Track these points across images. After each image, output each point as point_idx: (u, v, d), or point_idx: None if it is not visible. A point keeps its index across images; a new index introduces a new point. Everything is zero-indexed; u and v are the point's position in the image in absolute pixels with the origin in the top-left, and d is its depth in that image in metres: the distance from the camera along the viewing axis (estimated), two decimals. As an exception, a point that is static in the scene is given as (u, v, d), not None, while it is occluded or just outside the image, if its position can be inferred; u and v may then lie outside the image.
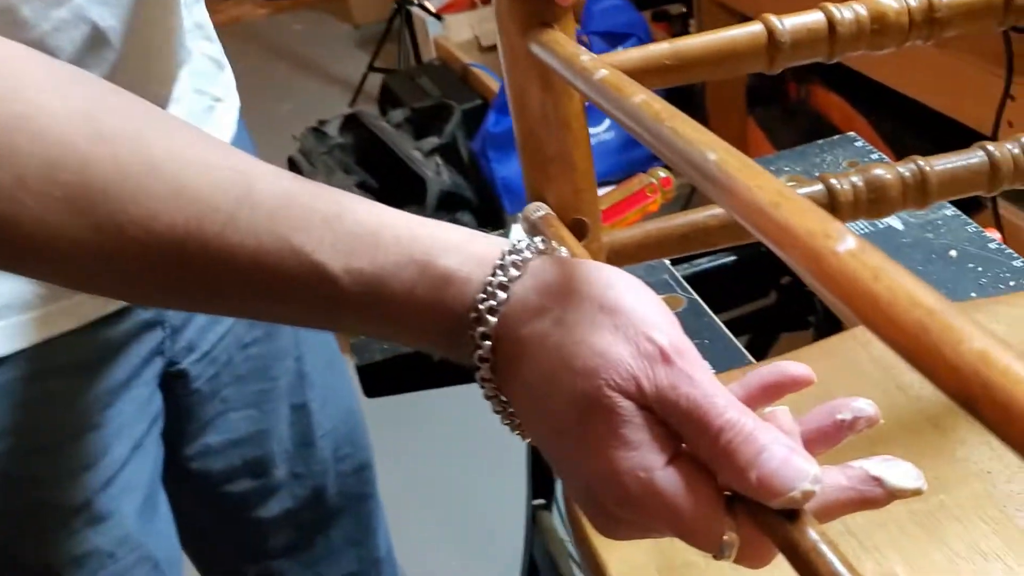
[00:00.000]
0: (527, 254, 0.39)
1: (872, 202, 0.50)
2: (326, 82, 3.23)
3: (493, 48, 2.45)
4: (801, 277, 0.25)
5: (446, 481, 1.58)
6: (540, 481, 0.86)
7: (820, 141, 0.87)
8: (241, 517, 0.82)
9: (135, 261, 0.39)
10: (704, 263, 0.82)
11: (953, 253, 0.72)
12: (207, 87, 0.70)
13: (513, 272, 0.39)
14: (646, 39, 1.99)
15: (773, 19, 0.45)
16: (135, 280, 0.41)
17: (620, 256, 0.51)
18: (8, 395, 0.61)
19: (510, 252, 0.39)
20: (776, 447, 0.34)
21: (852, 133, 0.88)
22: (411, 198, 1.88)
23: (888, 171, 0.50)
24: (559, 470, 0.39)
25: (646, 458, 0.35)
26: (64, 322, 0.61)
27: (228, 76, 0.74)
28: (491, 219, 2.00)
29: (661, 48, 0.45)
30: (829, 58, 0.46)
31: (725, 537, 0.35)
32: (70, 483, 0.65)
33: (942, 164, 0.51)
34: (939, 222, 0.75)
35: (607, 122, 1.93)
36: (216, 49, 0.72)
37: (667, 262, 0.79)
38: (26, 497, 0.64)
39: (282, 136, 2.34)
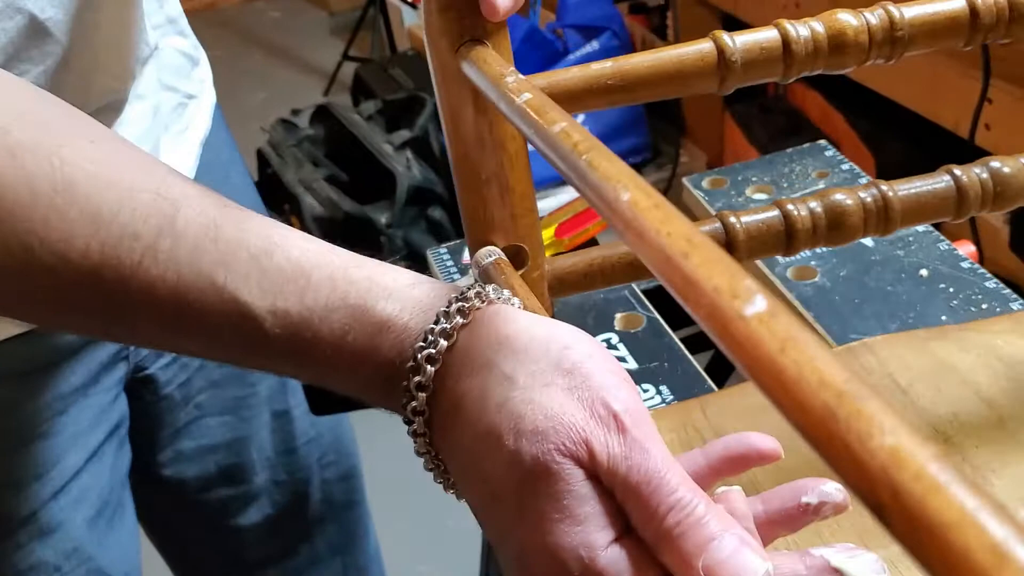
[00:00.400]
0: (476, 303, 0.36)
1: (832, 229, 0.47)
2: (301, 71, 3.18)
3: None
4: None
5: (410, 493, 1.55)
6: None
7: (789, 150, 0.84)
8: (220, 525, 0.80)
9: (45, 287, 0.36)
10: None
11: (924, 272, 0.69)
12: (178, 83, 0.67)
13: (458, 320, 0.36)
14: (622, 32, 1.95)
15: (724, 36, 0.42)
16: (45, 306, 0.38)
17: (563, 285, 0.47)
18: None
19: (457, 299, 0.36)
20: (727, 537, 0.31)
21: (822, 142, 0.85)
22: (381, 193, 1.84)
23: (849, 196, 0.47)
24: (491, 537, 0.36)
25: (590, 535, 0.32)
26: (7, 327, 0.58)
27: (203, 71, 0.71)
28: (464, 214, 1.97)
29: (603, 67, 0.41)
30: (784, 78, 0.43)
31: None
32: (16, 494, 0.62)
33: (906, 189, 0.48)
34: (910, 238, 0.72)
35: (581, 116, 1.90)
36: (189, 44, 0.69)
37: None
38: None
39: (256, 125, 2.30)
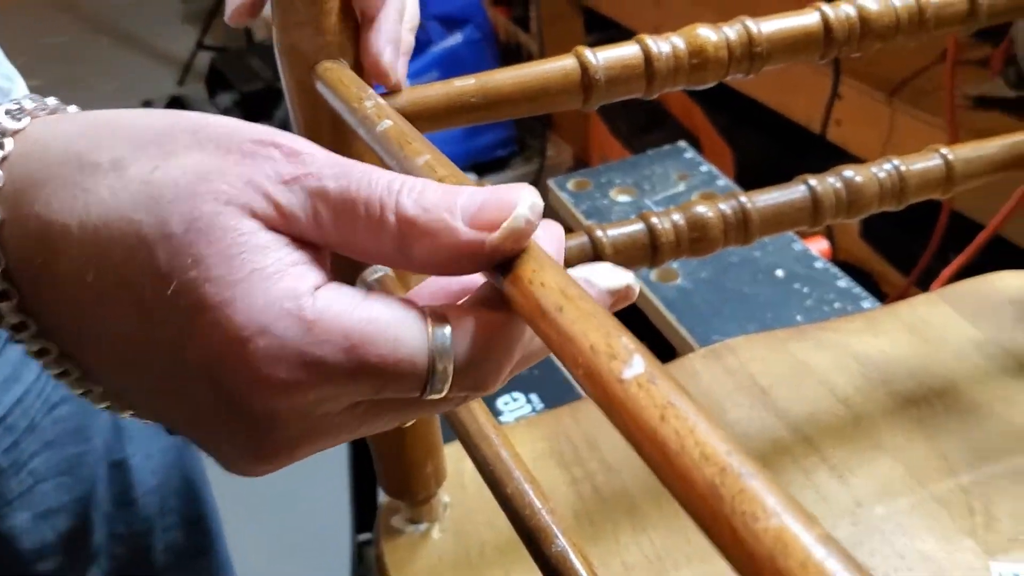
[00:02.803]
0: (50, 103, 0.28)
1: (694, 241, 0.48)
2: (153, 59, 3.05)
3: (329, 29, 2.35)
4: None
5: (270, 514, 1.51)
6: (365, 515, 0.82)
7: (650, 152, 0.85)
8: None
9: None
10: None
11: (780, 273, 0.71)
12: None
13: (31, 106, 0.27)
14: (484, 24, 1.95)
15: (587, 53, 0.42)
16: None
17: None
18: None
19: (27, 97, 0.28)
20: (475, 191, 0.24)
21: (682, 143, 0.86)
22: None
23: (710, 209, 0.48)
24: (165, 406, 0.26)
25: (289, 283, 0.24)
26: None
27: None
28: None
29: (467, 84, 0.40)
30: (647, 95, 0.43)
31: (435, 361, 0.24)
32: None
33: (764, 200, 0.49)
34: (766, 239, 0.74)
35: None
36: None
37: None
38: None
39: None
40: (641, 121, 1.76)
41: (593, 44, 0.43)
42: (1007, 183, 0.62)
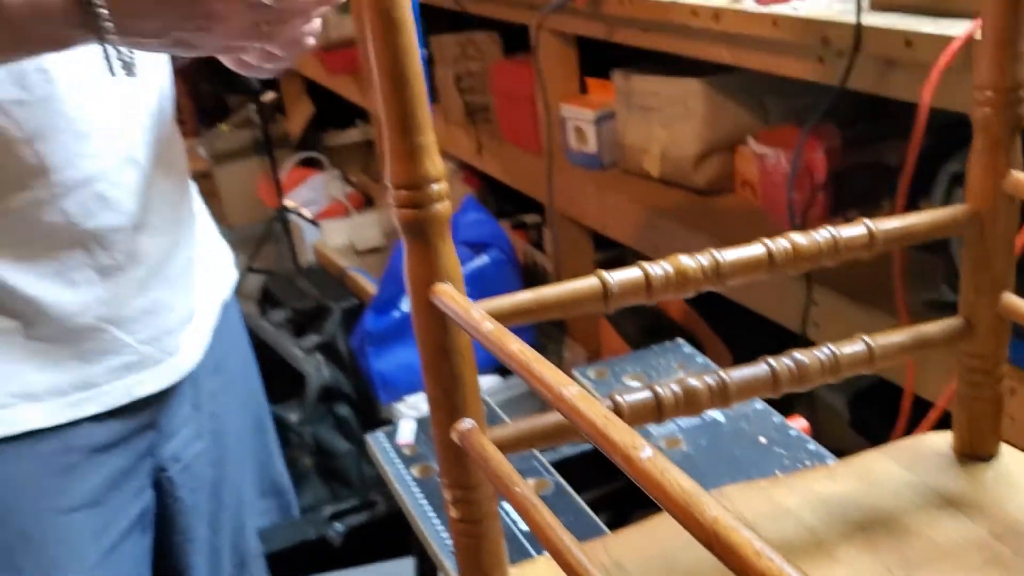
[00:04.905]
0: None
1: (687, 403, 0.67)
2: (201, 280, 3.32)
3: (368, 252, 2.63)
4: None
5: None
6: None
7: (654, 347, 1.05)
8: None
9: None
10: (566, 450, 0.97)
11: (763, 439, 0.89)
12: (205, 253, 0.94)
13: None
14: (506, 247, 2.21)
15: (605, 275, 0.62)
16: None
17: (500, 447, 0.65)
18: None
19: None
20: None
21: (680, 340, 1.06)
22: (292, 393, 1.99)
23: (698, 380, 0.67)
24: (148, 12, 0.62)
25: None
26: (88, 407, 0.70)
27: (227, 257, 0.93)
28: (367, 409, 2.13)
29: (526, 296, 0.61)
30: (648, 301, 0.64)
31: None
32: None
33: (737, 375, 0.68)
34: (751, 415, 0.93)
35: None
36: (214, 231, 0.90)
37: (535, 450, 0.94)
38: None
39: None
40: (644, 326, 1.97)
41: (601, 261, 0.63)
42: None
